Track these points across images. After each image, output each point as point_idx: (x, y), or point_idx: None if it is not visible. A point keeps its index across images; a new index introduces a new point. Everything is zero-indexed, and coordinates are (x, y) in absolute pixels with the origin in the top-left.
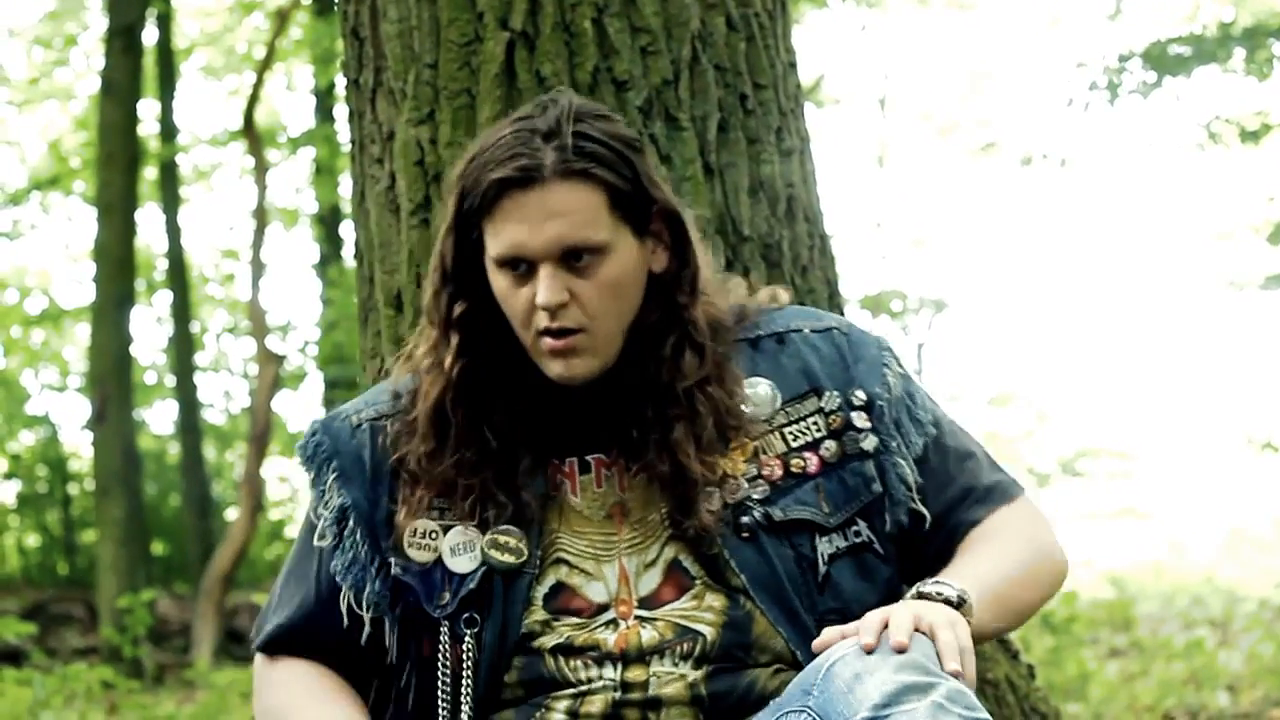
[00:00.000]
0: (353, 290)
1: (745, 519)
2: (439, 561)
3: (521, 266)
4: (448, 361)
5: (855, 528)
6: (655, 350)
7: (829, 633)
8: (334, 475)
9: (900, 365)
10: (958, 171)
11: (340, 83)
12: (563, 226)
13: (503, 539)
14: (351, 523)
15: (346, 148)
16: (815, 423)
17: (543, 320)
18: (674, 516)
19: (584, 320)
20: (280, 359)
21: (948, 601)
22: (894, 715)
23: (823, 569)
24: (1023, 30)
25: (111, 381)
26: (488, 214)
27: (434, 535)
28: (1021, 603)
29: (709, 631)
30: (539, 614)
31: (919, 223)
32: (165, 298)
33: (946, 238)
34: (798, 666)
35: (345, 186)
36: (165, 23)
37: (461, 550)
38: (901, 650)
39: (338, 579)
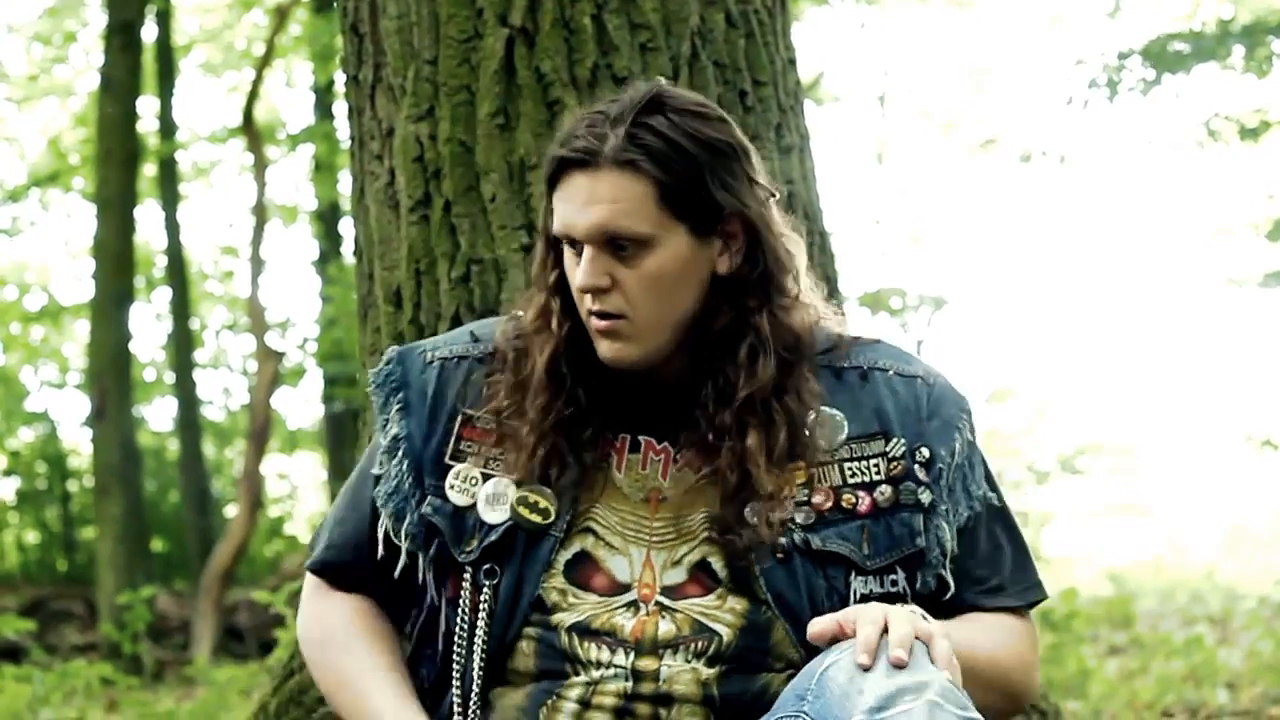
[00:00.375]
0: (352, 287)
1: (783, 540)
2: (473, 508)
3: (576, 245)
4: (554, 323)
5: (893, 576)
6: (728, 354)
7: (823, 622)
8: (398, 406)
9: (972, 432)
10: (957, 169)
11: (340, 79)
12: (605, 213)
13: (533, 497)
14: (401, 453)
15: (346, 144)
16: (876, 465)
17: (587, 302)
18: (722, 522)
19: (624, 307)
20: (279, 356)
21: None
22: (890, 717)
23: (853, 604)
24: (1022, 27)
25: (111, 378)
26: (552, 188)
27: (474, 481)
28: (975, 681)
29: (726, 632)
30: (558, 581)
31: (918, 220)
32: (164, 294)
33: (946, 235)
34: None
35: (344, 183)
36: (164, 19)
37: (495, 501)
38: (900, 666)
39: (378, 506)
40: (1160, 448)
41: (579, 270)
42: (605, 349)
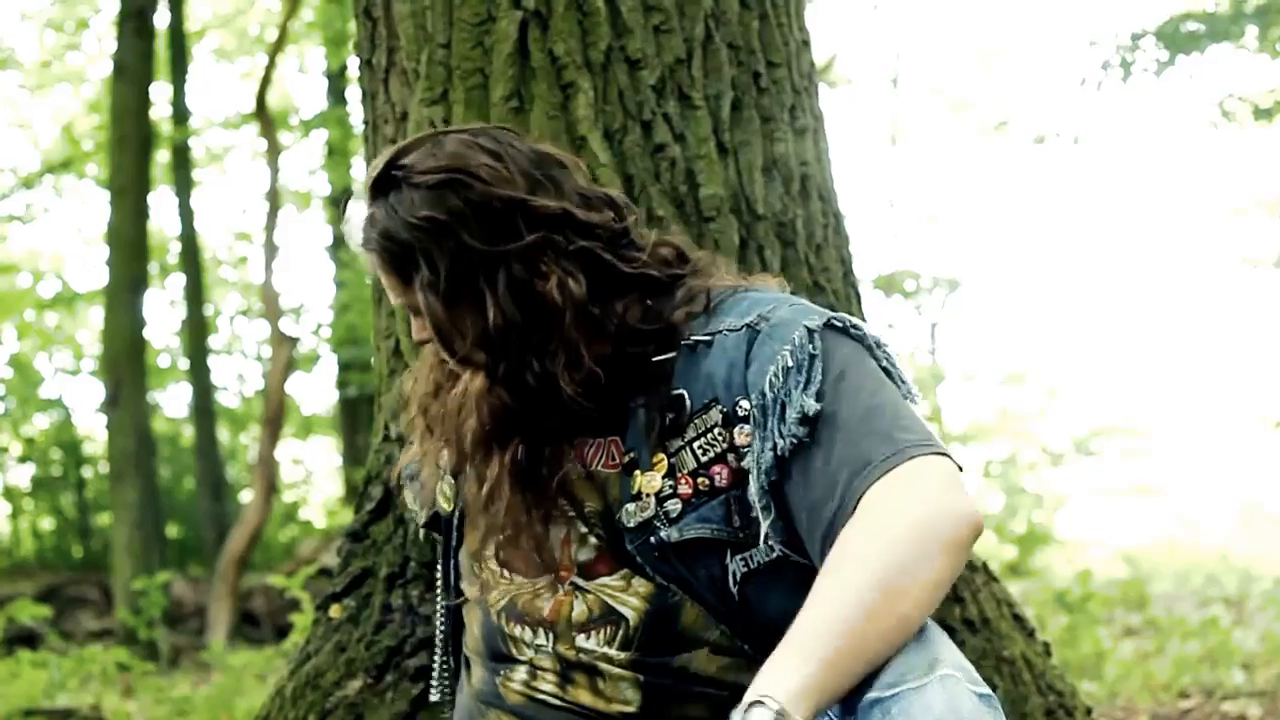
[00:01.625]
0: (365, 272)
1: (653, 539)
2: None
3: None
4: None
5: (770, 541)
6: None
7: None
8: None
9: (804, 346)
10: (970, 150)
11: (353, 64)
12: (390, 289)
13: (447, 489)
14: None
15: (359, 129)
16: (721, 434)
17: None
18: (606, 519)
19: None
20: (294, 341)
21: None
22: (904, 692)
23: (734, 589)
24: (1035, 8)
25: (125, 365)
26: None
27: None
28: (877, 637)
29: (632, 616)
30: (492, 564)
31: (932, 202)
32: (178, 281)
33: (959, 216)
34: (737, 653)
35: (358, 168)
36: (177, 5)
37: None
38: None
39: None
40: (1174, 429)
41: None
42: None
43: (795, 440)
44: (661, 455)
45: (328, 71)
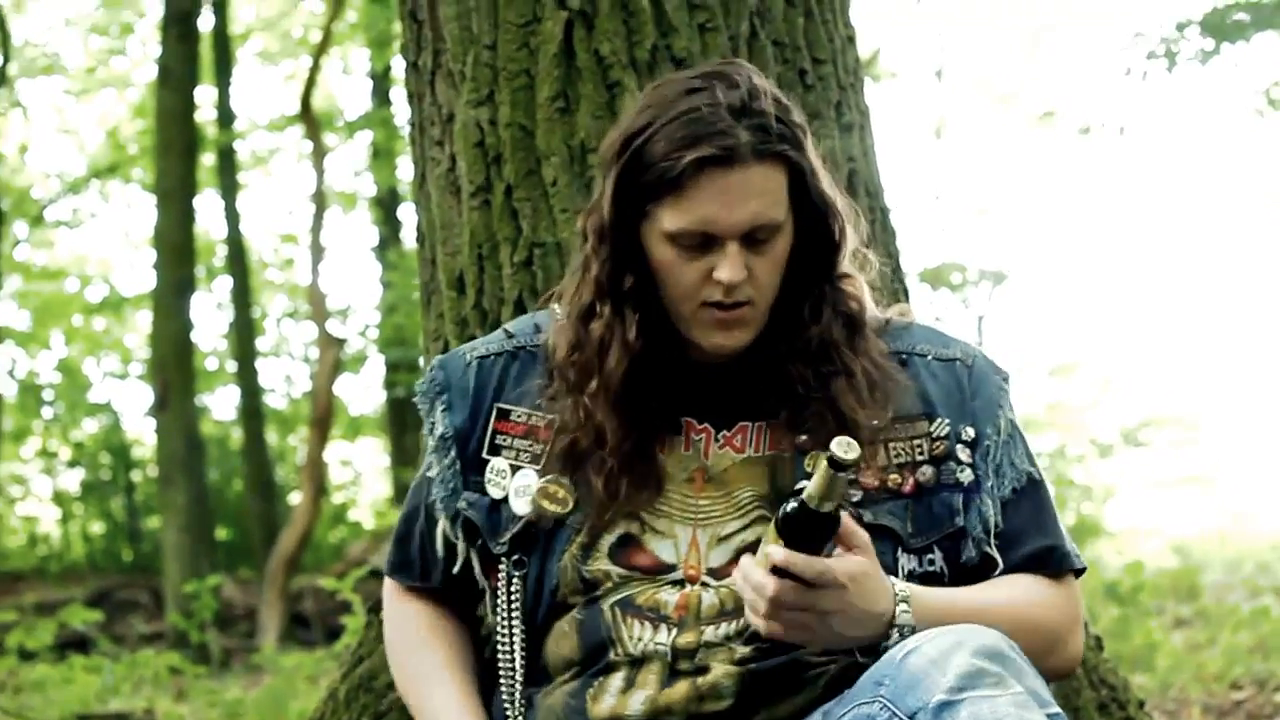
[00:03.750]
0: (412, 273)
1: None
2: (506, 500)
3: (699, 240)
4: (626, 341)
5: (931, 556)
6: (795, 319)
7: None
8: (442, 407)
9: (1012, 409)
10: (1016, 142)
11: (398, 65)
12: (758, 206)
13: (552, 488)
14: (452, 452)
15: (404, 130)
16: (919, 445)
17: (715, 294)
18: (770, 497)
19: (753, 294)
20: (341, 343)
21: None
22: (970, 698)
23: (901, 578)
24: None
25: (173, 368)
26: (677, 189)
27: (504, 475)
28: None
29: None
30: (603, 563)
31: (978, 194)
32: (225, 283)
33: (1006, 208)
34: (849, 654)
35: (403, 169)
36: (221, 8)
37: (522, 493)
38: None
39: (434, 508)
40: (1224, 418)
41: (728, 266)
42: (720, 339)
43: (1018, 483)
44: None
45: (372, 73)
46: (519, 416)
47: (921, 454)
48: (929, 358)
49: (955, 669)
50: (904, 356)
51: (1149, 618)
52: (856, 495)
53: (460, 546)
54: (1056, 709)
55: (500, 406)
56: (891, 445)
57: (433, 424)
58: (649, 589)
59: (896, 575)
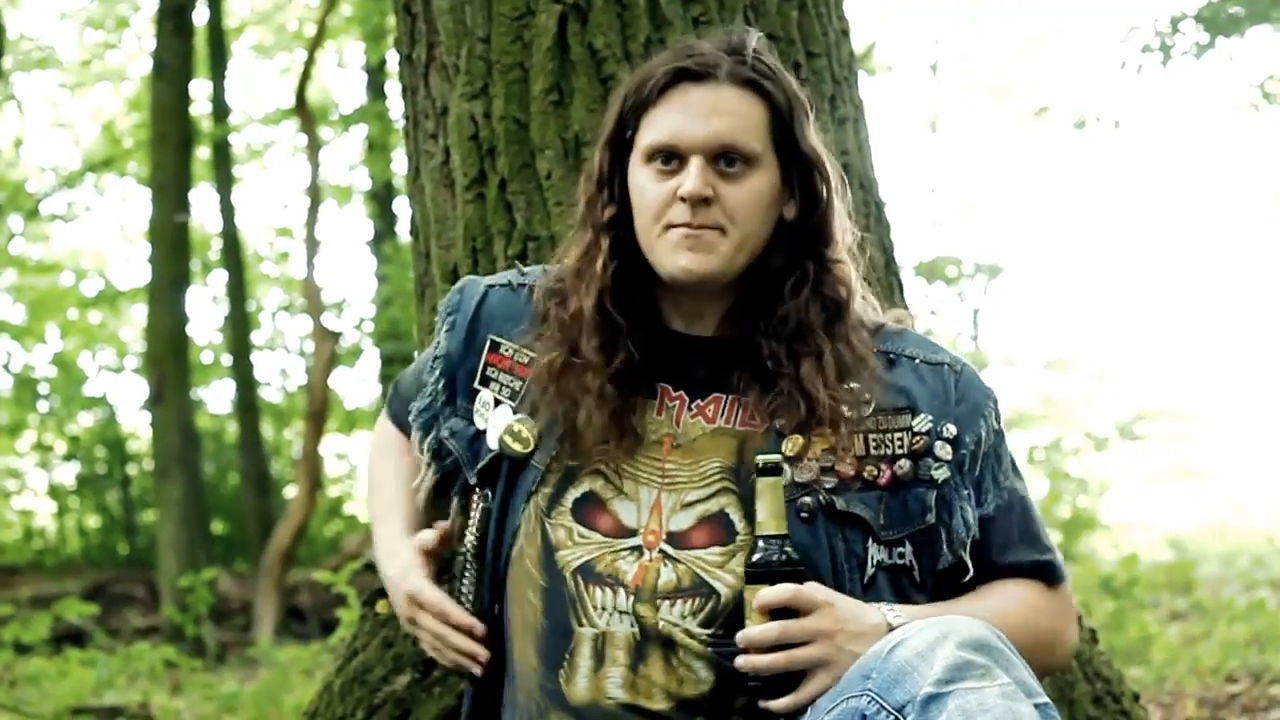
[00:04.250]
0: (407, 266)
1: (808, 499)
2: (485, 432)
3: (672, 161)
4: (599, 263)
5: (900, 549)
6: (776, 292)
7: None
8: (446, 328)
9: (999, 421)
10: (1010, 136)
11: (392, 59)
12: (725, 124)
13: (517, 427)
14: (439, 371)
15: (399, 124)
16: (900, 439)
17: (680, 214)
18: (741, 471)
19: (722, 220)
20: (336, 336)
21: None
22: (957, 690)
23: (870, 570)
24: None
25: (168, 361)
26: (652, 104)
27: (487, 406)
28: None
29: (725, 592)
30: (566, 519)
31: (973, 188)
32: (220, 277)
33: (1001, 202)
34: None
35: (398, 162)
36: (216, 2)
37: (497, 428)
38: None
39: (410, 419)
40: (1219, 411)
41: (690, 179)
42: (684, 260)
43: (1000, 500)
44: (827, 431)
45: (367, 66)
46: (506, 350)
47: (901, 448)
48: (918, 360)
49: (942, 661)
50: (892, 357)
51: (1144, 611)
52: (831, 482)
53: (424, 461)
54: (1044, 699)
55: (493, 338)
56: (871, 437)
57: (437, 341)
58: (607, 555)
59: (866, 566)
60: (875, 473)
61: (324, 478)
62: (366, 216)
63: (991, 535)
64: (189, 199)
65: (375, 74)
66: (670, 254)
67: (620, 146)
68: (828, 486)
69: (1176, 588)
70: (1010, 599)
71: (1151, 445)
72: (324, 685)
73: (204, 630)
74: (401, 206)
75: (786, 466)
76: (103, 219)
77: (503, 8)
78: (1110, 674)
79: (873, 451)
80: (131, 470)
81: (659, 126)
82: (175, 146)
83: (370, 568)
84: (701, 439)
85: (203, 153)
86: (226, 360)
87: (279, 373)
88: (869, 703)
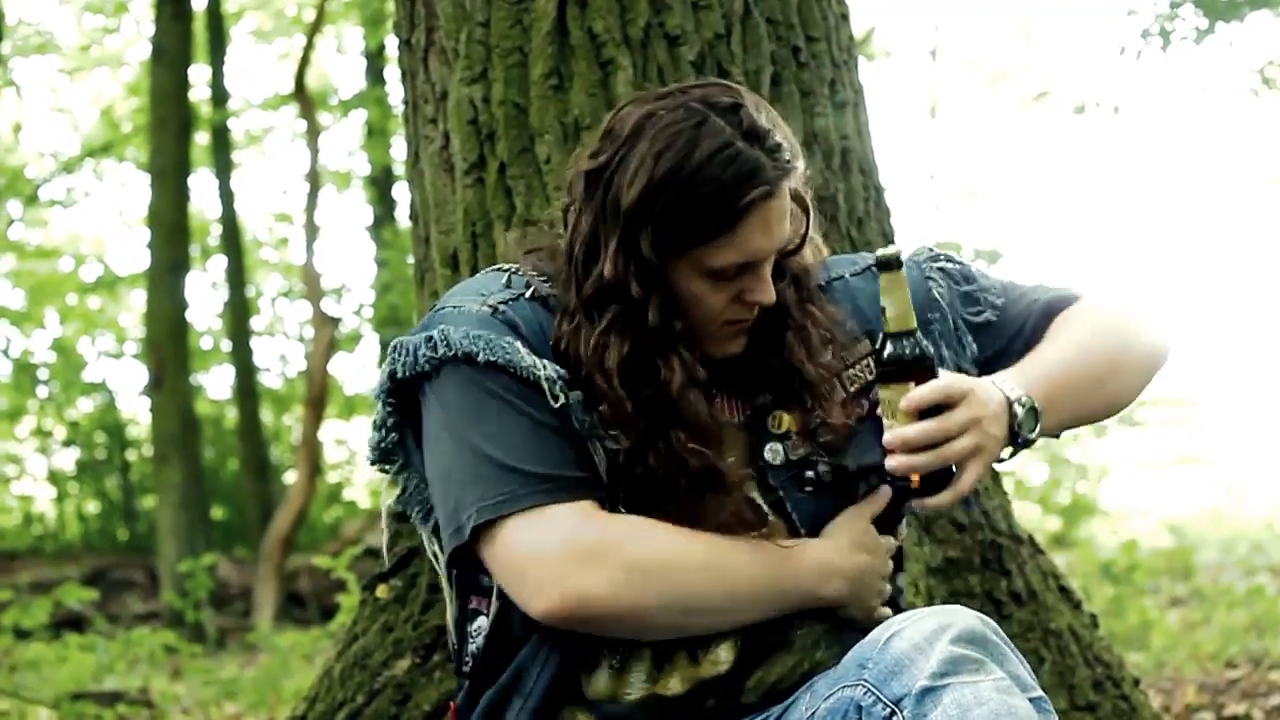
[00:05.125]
0: (407, 252)
1: (809, 473)
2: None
3: (738, 270)
4: (679, 367)
5: None
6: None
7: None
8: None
9: (947, 262)
10: (1010, 121)
11: (391, 44)
12: (787, 227)
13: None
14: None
15: (398, 109)
16: (868, 365)
17: (741, 313)
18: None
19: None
20: (335, 322)
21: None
22: (952, 684)
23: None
24: None
25: (168, 347)
26: (730, 230)
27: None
28: (1098, 397)
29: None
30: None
31: (972, 173)
32: (220, 263)
33: (1000, 188)
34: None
35: (397, 148)
36: None
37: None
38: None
39: (583, 430)
40: (1218, 398)
41: (765, 289)
42: (736, 346)
43: (992, 310)
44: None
45: (366, 51)
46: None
47: (871, 373)
48: (846, 276)
49: (938, 655)
50: (823, 286)
51: (1144, 597)
52: (829, 437)
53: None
54: (1039, 692)
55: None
56: (845, 376)
57: (515, 358)
58: None
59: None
60: (861, 409)
61: (323, 463)
62: (366, 202)
63: (1005, 325)
64: (188, 184)
65: (374, 59)
66: (724, 344)
67: (669, 257)
68: (832, 449)
69: (1176, 573)
70: (1061, 323)
71: (1151, 431)
72: (324, 670)
73: (204, 616)
74: (401, 191)
75: (890, 340)
76: (102, 204)
77: None
78: (1111, 659)
79: (851, 389)
80: (131, 456)
81: (738, 249)
82: (174, 132)
83: (370, 552)
84: (728, 435)
85: (202, 138)
86: (226, 346)
87: (278, 358)
88: (865, 693)
